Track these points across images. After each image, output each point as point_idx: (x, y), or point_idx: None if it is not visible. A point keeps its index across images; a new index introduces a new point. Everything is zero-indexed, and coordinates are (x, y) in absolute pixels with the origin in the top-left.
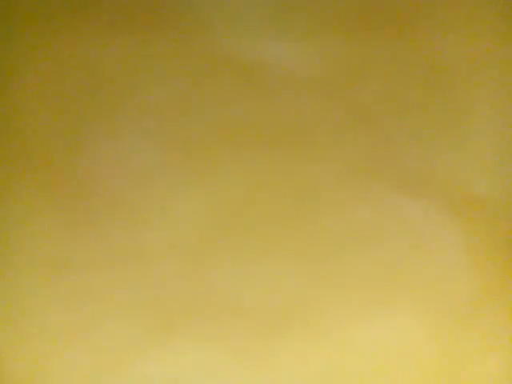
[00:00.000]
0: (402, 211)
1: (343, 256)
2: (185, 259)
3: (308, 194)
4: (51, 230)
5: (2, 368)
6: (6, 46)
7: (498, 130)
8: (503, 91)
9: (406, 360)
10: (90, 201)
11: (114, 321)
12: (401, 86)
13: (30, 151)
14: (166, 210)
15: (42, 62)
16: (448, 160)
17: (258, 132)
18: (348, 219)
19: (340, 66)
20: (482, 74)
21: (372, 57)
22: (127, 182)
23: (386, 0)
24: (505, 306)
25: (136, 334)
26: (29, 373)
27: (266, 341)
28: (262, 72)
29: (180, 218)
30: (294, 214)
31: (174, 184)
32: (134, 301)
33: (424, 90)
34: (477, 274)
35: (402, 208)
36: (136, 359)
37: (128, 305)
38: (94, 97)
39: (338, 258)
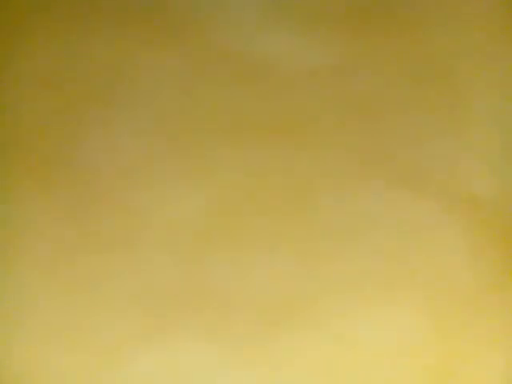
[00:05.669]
0: (401, 206)
1: (343, 250)
2: (182, 253)
3: (307, 188)
4: (48, 226)
5: None
6: (2, 40)
7: (498, 129)
8: (504, 89)
9: (407, 353)
10: (88, 193)
11: (109, 315)
12: (401, 81)
13: (26, 142)
14: (164, 203)
15: (39, 55)
16: (448, 157)
17: (256, 125)
18: (347, 213)
19: (340, 59)
20: (484, 72)
21: (372, 51)
22: (125, 174)
23: None
24: (505, 302)
25: (133, 327)
26: (22, 366)
27: (264, 334)
28: (261, 65)
29: (177, 211)
30: (292, 207)
31: (170, 176)
32: (131, 294)
33: (425, 87)
34: (477, 269)
35: (401, 202)
36: (133, 353)
37: (124, 298)
38: (91, 89)
39: (337, 252)
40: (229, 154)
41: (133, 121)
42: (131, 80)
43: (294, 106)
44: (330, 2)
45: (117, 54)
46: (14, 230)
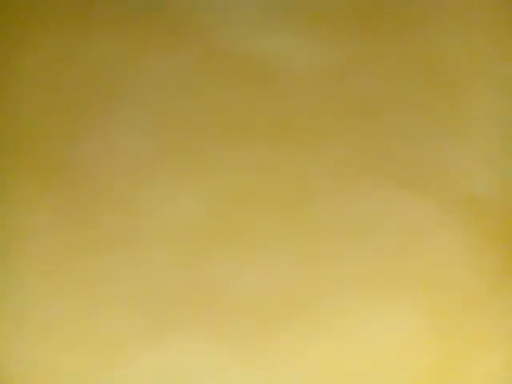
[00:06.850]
0: (401, 205)
1: (343, 249)
2: (182, 253)
3: (307, 188)
4: (48, 226)
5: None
6: (2, 40)
7: (498, 129)
8: (505, 89)
9: (407, 353)
10: (88, 192)
11: (109, 315)
12: (401, 81)
13: (26, 142)
14: (164, 203)
15: (39, 55)
16: (448, 157)
17: (256, 125)
18: (347, 213)
19: (341, 60)
20: (484, 72)
21: (373, 51)
22: (125, 174)
23: None
24: (505, 302)
25: (133, 327)
26: (22, 366)
27: (264, 334)
28: (262, 66)
29: (178, 209)
30: (292, 207)
31: (171, 176)
32: (131, 294)
33: (425, 87)
34: (477, 269)
35: (401, 202)
36: (133, 353)
37: (124, 298)
38: (91, 89)
39: (337, 252)
40: (229, 153)
41: (133, 121)
42: (131, 80)
43: (295, 106)
44: (331, 2)
45: (117, 53)
46: (14, 230)
